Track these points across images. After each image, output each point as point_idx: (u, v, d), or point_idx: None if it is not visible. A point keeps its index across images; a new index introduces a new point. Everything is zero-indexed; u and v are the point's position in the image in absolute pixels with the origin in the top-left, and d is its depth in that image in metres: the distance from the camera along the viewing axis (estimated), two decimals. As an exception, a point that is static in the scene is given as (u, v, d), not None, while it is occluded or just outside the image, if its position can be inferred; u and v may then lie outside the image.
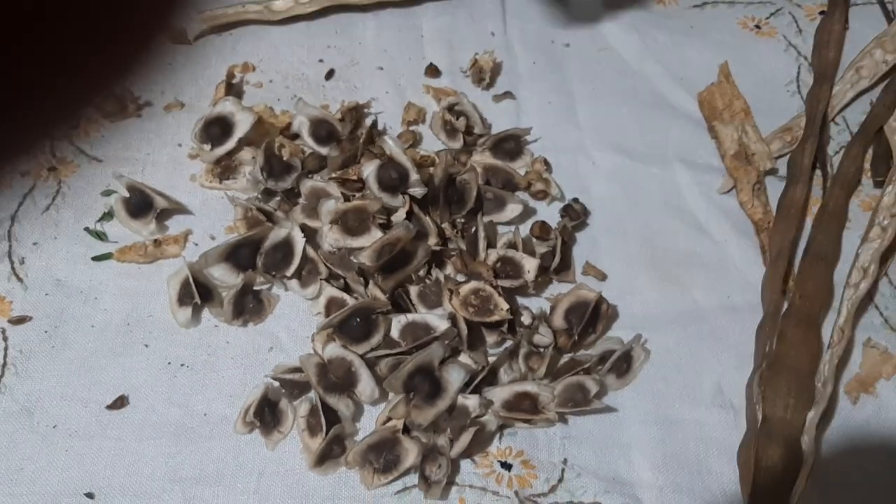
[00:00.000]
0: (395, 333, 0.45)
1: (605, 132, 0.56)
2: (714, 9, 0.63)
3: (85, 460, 0.42)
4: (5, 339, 0.46)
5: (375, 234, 0.47)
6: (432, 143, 0.55)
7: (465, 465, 0.43)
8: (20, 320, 0.47)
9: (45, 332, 0.46)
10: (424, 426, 0.42)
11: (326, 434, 0.42)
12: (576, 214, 0.51)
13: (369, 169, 0.49)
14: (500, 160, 0.53)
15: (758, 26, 0.61)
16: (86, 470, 0.42)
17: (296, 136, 0.54)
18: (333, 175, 0.51)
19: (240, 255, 0.48)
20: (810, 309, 0.48)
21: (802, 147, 0.54)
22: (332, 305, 0.47)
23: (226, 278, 0.48)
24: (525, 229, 0.50)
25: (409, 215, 0.49)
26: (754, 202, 0.52)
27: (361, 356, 0.44)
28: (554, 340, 0.45)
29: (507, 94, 0.58)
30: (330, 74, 0.58)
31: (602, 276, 0.50)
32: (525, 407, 0.43)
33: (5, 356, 0.45)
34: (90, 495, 0.41)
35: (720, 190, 0.53)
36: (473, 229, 0.49)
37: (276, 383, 0.44)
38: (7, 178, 0.52)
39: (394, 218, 0.49)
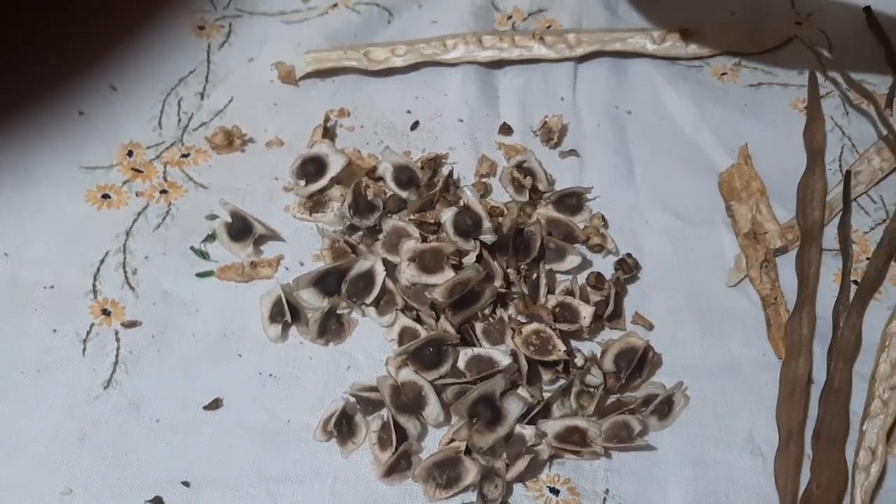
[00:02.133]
0: (461, 364, 0.50)
1: (660, 194, 0.61)
2: (769, 89, 0.68)
3: (183, 453, 0.48)
4: (118, 340, 0.52)
5: (448, 274, 0.53)
6: (501, 194, 0.60)
7: (518, 487, 0.48)
8: (131, 324, 0.53)
9: (152, 336, 0.52)
10: (485, 449, 0.47)
11: (396, 449, 0.47)
12: (628, 268, 0.56)
13: (447, 215, 0.55)
14: (561, 214, 0.59)
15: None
16: (183, 461, 0.48)
17: (380, 178, 0.60)
18: (412, 217, 0.57)
19: (327, 281, 0.54)
20: (829, 499, 0.47)
21: (799, 315, 0.53)
22: (405, 334, 0.53)
23: (312, 301, 0.54)
24: (581, 279, 0.55)
25: (479, 258, 0.54)
26: (762, 278, 0.56)
27: (431, 382, 0.49)
28: (603, 381, 0.50)
29: (572, 152, 0.63)
30: (415, 126, 0.64)
31: (649, 326, 0.54)
32: (574, 440, 0.48)
33: (118, 355, 0.51)
34: (186, 484, 0.47)
35: (728, 283, 0.56)
36: (535, 276, 0.54)
37: (353, 399, 0.50)
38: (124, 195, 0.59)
39: (465, 260, 0.54)
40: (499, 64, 0.68)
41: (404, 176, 0.59)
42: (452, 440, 0.48)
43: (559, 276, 0.56)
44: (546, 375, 0.51)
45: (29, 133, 0.61)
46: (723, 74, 0.69)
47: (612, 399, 0.51)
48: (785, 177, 0.62)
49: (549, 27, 0.72)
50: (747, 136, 0.64)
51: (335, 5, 0.71)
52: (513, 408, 0.48)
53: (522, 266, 0.55)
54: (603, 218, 0.59)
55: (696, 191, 0.61)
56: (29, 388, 0.50)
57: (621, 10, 0.73)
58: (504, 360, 0.49)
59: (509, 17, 0.73)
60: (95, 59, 0.66)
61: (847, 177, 0.60)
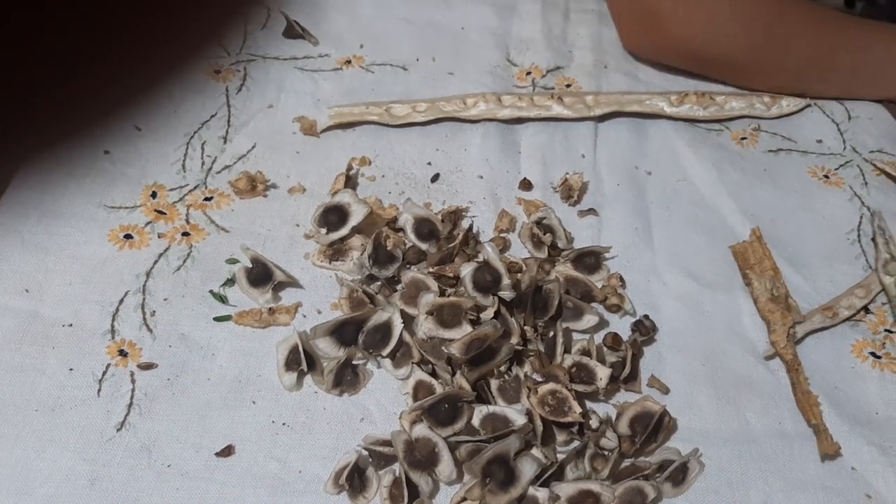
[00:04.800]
0: (476, 422, 0.50)
1: (677, 257, 0.61)
2: (788, 155, 0.68)
3: (192, 499, 0.47)
4: (133, 381, 0.52)
5: (466, 329, 0.53)
6: (519, 249, 0.61)
7: (529, 550, 0.47)
8: (147, 366, 0.53)
9: (168, 379, 0.52)
10: (497, 510, 0.47)
11: (408, 505, 0.47)
12: (645, 330, 0.56)
13: (467, 270, 0.55)
14: (580, 273, 0.59)
15: (826, 176, 0.67)
16: (192, 509, 0.47)
17: (400, 229, 0.60)
18: (431, 270, 0.57)
19: (344, 331, 0.54)
20: None
21: None
22: (420, 388, 0.52)
23: (329, 350, 0.54)
24: (598, 338, 0.55)
25: (497, 315, 0.54)
26: (787, 344, 0.56)
27: (445, 439, 0.49)
28: (618, 445, 0.50)
29: (591, 211, 0.64)
30: (435, 178, 0.65)
31: (665, 390, 0.54)
32: (588, 504, 0.48)
33: (132, 397, 0.51)
34: (194, 532, 0.47)
35: (765, 353, 0.56)
36: (552, 334, 0.54)
37: (366, 452, 0.50)
38: (147, 235, 0.59)
39: (483, 316, 0.54)
40: (520, 119, 0.68)
41: (425, 228, 0.59)
42: (464, 499, 0.48)
43: (576, 335, 0.56)
44: (560, 436, 0.51)
45: (55, 171, 0.61)
46: (742, 139, 0.70)
47: (626, 463, 0.51)
48: (802, 244, 0.62)
49: (568, 86, 0.73)
50: (766, 202, 0.65)
51: (349, 62, 0.73)
52: (527, 469, 0.47)
53: (540, 324, 0.55)
54: (621, 278, 0.59)
55: (714, 255, 0.62)
56: (42, 426, 0.49)
57: (641, 75, 0.74)
58: (519, 420, 0.49)
59: (528, 73, 0.74)
60: (120, 100, 0.67)
61: None
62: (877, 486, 0.50)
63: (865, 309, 0.59)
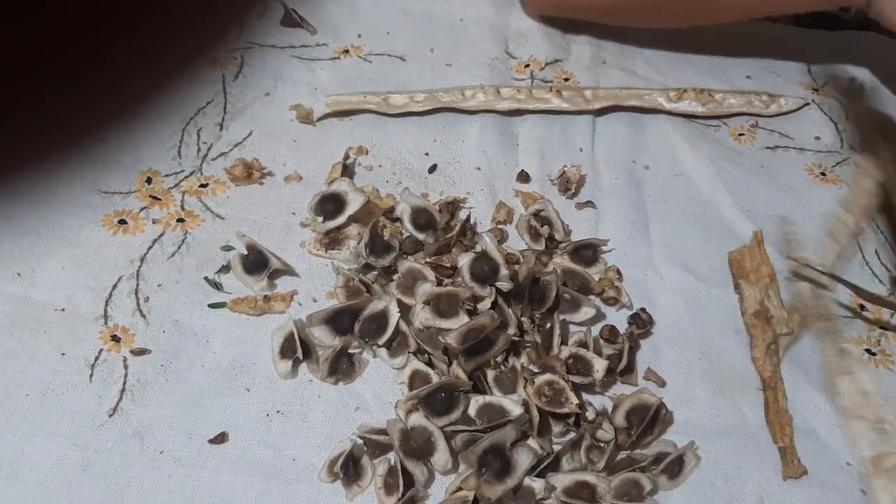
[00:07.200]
0: (472, 412, 0.50)
1: (674, 251, 0.61)
2: (785, 153, 0.69)
3: (185, 486, 0.47)
4: (126, 367, 0.51)
5: (463, 319, 0.52)
6: (516, 241, 0.61)
7: (525, 540, 0.47)
8: (140, 352, 0.52)
9: (161, 365, 0.52)
10: (493, 501, 0.46)
11: (403, 495, 0.47)
12: (642, 323, 0.56)
13: (464, 260, 0.55)
14: (577, 265, 0.59)
15: (823, 174, 0.67)
16: (185, 496, 0.47)
17: (397, 219, 0.60)
18: (428, 260, 0.57)
19: (340, 320, 0.53)
20: None
21: None
22: (415, 378, 0.52)
23: (324, 339, 0.53)
24: (595, 331, 0.55)
25: (493, 305, 0.54)
26: (765, 360, 0.56)
27: (441, 428, 0.49)
28: (614, 437, 0.50)
29: (589, 204, 0.63)
30: (433, 169, 0.64)
31: (662, 383, 0.54)
32: (584, 495, 0.47)
33: (125, 383, 0.51)
34: (187, 519, 0.46)
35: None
36: (549, 325, 0.54)
37: (361, 441, 0.49)
38: (141, 221, 0.58)
39: (480, 306, 0.54)
40: (518, 111, 0.68)
41: (422, 218, 0.59)
42: (460, 489, 0.47)
43: (572, 328, 0.56)
44: (556, 427, 0.50)
45: (49, 158, 0.61)
46: (740, 135, 0.70)
47: (622, 455, 0.50)
48: (798, 241, 0.62)
49: (567, 80, 0.73)
50: (762, 199, 0.65)
51: (346, 51, 0.73)
52: (523, 459, 0.47)
53: (537, 315, 0.55)
54: (618, 271, 0.59)
55: (710, 250, 0.62)
56: (33, 411, 0.49)
57: (639, 71, 0.74)
58: (515, 410, 0.49)
59: (527, 66, 0.74)
60: (116, 88, 0.67)
61: None
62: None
63: (861, 307, 0.59)
